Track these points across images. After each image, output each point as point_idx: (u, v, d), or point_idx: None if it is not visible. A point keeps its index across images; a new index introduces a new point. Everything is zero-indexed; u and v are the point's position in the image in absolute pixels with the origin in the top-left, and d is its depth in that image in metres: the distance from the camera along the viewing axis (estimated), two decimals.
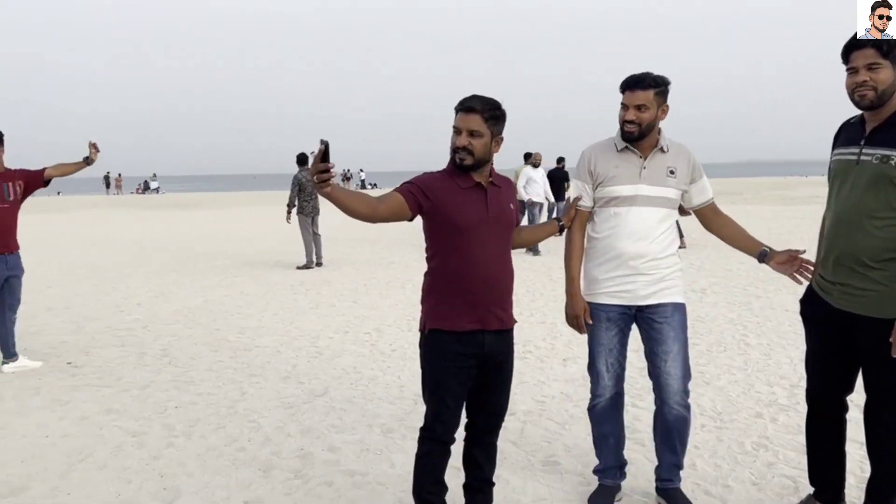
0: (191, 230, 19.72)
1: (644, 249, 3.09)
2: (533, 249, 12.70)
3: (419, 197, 2.76)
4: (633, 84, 3.05)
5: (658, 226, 3.12)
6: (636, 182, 3.10)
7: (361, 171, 57.60)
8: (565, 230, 3.35)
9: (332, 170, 2.38)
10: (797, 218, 19.32)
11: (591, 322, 3.23)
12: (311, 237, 11.68)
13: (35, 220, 24.17)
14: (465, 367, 2.82)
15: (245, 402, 4.90)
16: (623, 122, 3.09)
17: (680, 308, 3.17)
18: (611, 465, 3.40)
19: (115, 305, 8.69)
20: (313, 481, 3.63)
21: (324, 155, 2.33)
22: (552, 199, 14.36)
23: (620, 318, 3.20)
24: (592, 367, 3.29)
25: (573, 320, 3.27)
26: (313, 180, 2.39)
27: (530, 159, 13.78)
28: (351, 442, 4.12)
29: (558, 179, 15.10)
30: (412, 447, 3.93)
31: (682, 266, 3.25)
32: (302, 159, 11.59)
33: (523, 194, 13.15)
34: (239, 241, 16.18)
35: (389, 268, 11.60)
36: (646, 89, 3.03)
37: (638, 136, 3.06)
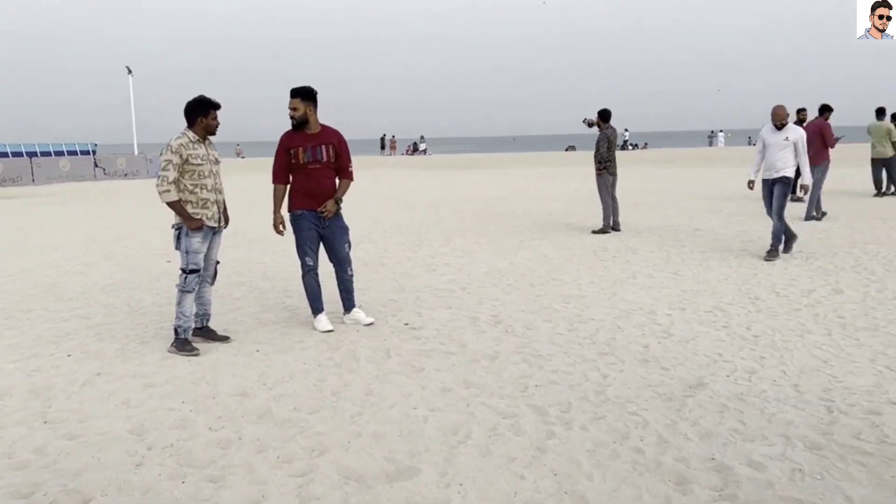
0: (469, 190, 19.93)
1: None
2: None
3: None
4: None
5: None
6: None
7: (422, 139, 53.63)
8: None
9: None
10: None
11: None
12: (611, 200, 10.92)
13: None
14: None
15: (612, 387, 4.31)
16: None
17: None
18: None
19: (425, 264, 8.66)
20: None
21: None
22: None
23: None
24: None
25: None
26: None
27: None
28: (774, 458, 3.33)
29: None
30: (863, 476, 3.08)
31: None
32: (605, 115, 10.81)
33: None
34: (521, 203, 15.91)
35: (696, 235, 10.49)
36: None
37: None
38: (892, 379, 4.33)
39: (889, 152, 14.10)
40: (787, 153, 8.40)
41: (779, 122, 8.52)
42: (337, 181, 5.71)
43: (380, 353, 5.07)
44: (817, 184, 11.71)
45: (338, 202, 5.58)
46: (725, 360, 4.81)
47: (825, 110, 12.55)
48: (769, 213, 8.67)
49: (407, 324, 5.85)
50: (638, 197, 16.00)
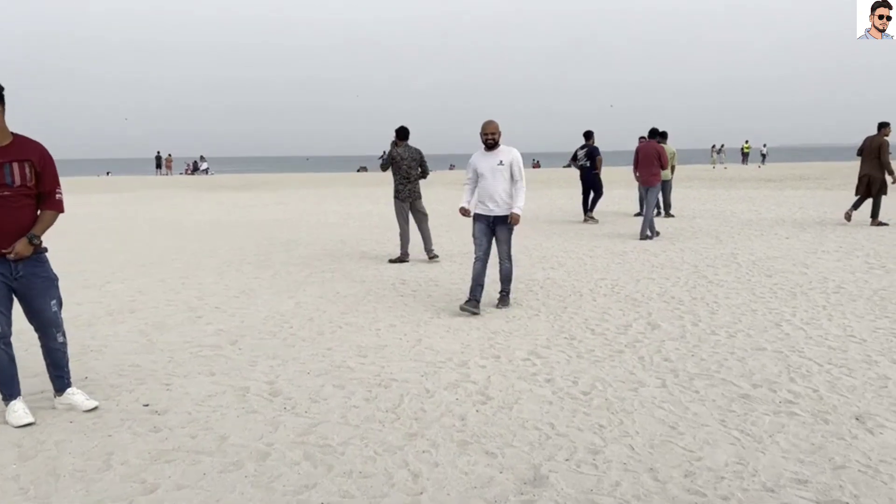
0: (253, 213, 18.17)
1: None
2: None
3: None
4: None
5: None
6: None
7: (202, 158, 52.87)
8: None
9: None
10: None
11: None
12: (408, 225, 9.92)
13: (83, 201, 23.03)
14: None
15: (425, 494, 3.16)
16: None
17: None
18: None
19: (188, 308, 7.07)
20: None
21: None
22: None
23: None
24: None
25: None
26: None
27: None
28: None
29: None
30: None
31: None
32: (401, 133, 9.78)
33: None
34: (311, 228, 14.54)
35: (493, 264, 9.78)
36: None
37: None
38: (753, 448, 3.61)
39: (668, 175, 14.60)
40: (504, 181, 6.69)
41: (487, 139, 6.69)
42: (39, 213, 4.08)
43: (96, 460, 3.52)
44: (650, 205, 11.64)
45: (33, 241, 3.93)
46: (559, 433, 3.86)
47: (656, 134, 12.95)
48: (479, 255, 6.90)
49: (147, 405, 4.32)
50: (434, 220, 15.28)
